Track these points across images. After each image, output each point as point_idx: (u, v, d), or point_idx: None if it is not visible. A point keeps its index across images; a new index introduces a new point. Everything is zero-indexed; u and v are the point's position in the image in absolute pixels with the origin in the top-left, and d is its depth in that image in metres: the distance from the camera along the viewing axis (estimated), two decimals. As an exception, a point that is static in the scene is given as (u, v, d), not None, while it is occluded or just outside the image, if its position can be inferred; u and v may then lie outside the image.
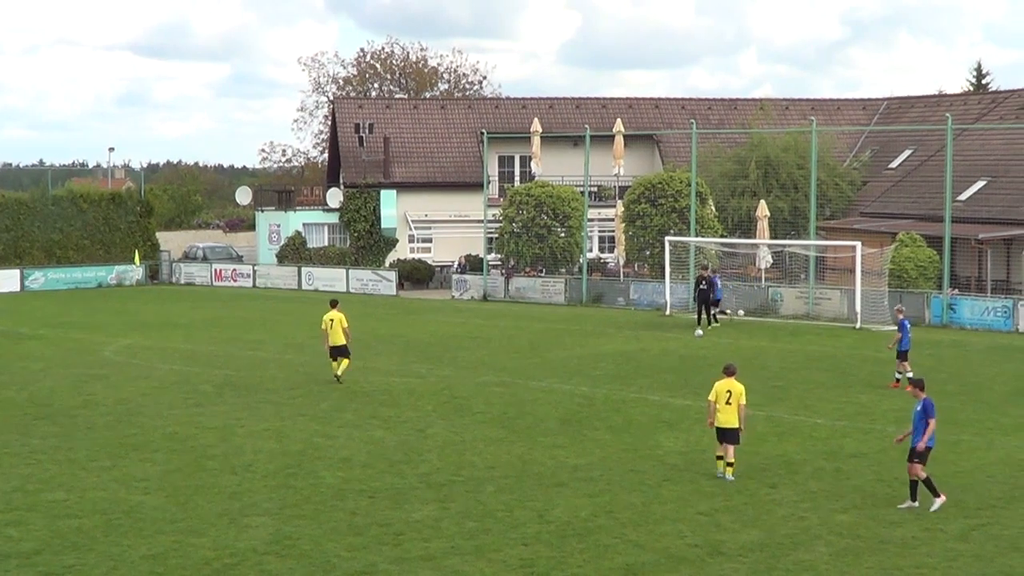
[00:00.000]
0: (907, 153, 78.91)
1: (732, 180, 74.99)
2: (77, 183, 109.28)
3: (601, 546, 20.24)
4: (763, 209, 64.70)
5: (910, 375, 34.37)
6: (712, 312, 53.07)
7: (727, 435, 25.14)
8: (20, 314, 61.05)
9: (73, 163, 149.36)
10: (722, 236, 67.83)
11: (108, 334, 52.02)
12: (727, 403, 25.04)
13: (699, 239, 63.43)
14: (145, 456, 27.35)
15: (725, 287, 57.69)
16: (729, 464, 25.11)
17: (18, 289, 77.54)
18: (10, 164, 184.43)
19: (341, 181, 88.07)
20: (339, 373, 37.77)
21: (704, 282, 53.37)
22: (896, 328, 38.22)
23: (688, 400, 34.15)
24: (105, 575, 18.86)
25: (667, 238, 61.89)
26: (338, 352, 37.96)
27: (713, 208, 70.20)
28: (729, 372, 25.40)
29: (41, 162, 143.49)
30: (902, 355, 37.19)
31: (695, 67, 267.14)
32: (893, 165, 78.97)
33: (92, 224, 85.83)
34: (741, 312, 57.49)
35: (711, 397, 25.20)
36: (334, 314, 37.99)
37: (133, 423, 31.42)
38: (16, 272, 79.41)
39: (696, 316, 53.24)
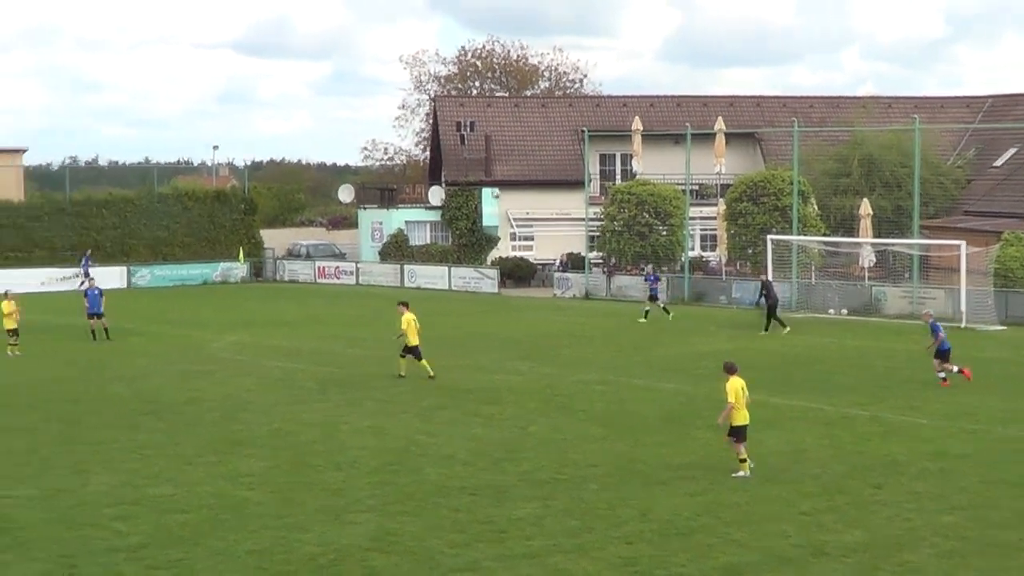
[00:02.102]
0: (1012, 151, 77.85)
1: (834, 178, 74.39)
2: (182, 181, 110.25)
3: (704, 545, 20.19)
4: (866, 208, 64.19)
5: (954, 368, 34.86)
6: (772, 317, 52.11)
7: (743, 432, 25.00)
8: (127, 311, 61.69)
9: (178, 161, 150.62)
10: (824, 235, 67.30)
11: (213, 331, 52.56)
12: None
13: (801, 238, 63.07)
14: (250, 452, 27.60)
15: (828, 286, 57.40)
16: (744, 460, 24.97)
17: (125, 286, 78.45)
18: (116, 162, 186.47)
19: (443, 179, 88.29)
20: (403, 373, 38.07)
21: (764, 287, 52.92)
22: (930, 333, 37.67)
23: (789, 399, 33.97)
24: (211, 569, 19.04)
25: (769, 236, 61.63)
26: (413, 351, 38.10)
27: (815, 206, 69.67)
28: (735, 370, 25.26)
29: (146, 160, 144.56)
30: (944, 355, 36.79)
31: (797, 64, 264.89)
32: (998, 163, 77.95)
33: (197, 221, 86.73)
34: (832, 311, 57.21)
35: (732, 399, 24.95)
36: (411, 315, 38.19)
37: (238, 419, 31.73)
38: (123, 269, 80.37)
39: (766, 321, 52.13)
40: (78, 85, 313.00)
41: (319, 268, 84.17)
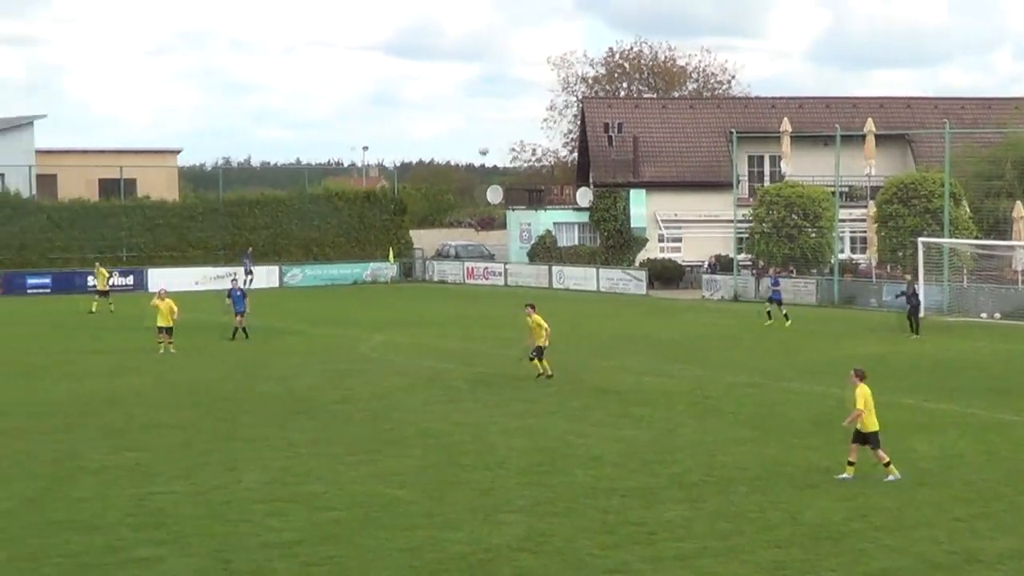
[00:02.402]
0: None
1: (987, 181, 73.35)
2: (333, 182, 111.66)
3: (855, 550, 20.01)
4: (1019, 210, 63.25)
5: None
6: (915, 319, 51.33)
7: (876, 439, 24.71)
8: (279, 310, 62.52)
9: (328, 162, 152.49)
10: (976, 237, 66.43)
11: (363, 330, 53.06)
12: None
13: (953, 240, 62.26)
14: (401, 451, 27.80)
15: (980, 290, 56.64)
16: (887, 464, 24.69)
17: (277, 285, 79.53)
18: (268, 163, 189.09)
19: (591, 180, 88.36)
20: (549, 372, 38.18)
21: (910, 288, 52.20)
22: None
23: (942, 404, 33.58)
24: (363, 567, 19.20)
25: (920, 239, 60.89)
26: (539, 352, 38.15)
27: (967, 209, 68.80)
28: (865, 376, 24.99)
29: (298, 161, 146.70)
30: None
31: (948, 65, 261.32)
32: None
33: (347, 222, 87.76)
34: (984, 315, 56.42)
35: (861, 404, 24.66)
36: (538, 317, 38.25)
37: (389, 418, 31.98)
38: (275, 268, 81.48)
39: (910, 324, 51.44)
40: (232, 87, 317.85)
41: (468, 269, 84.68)
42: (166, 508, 22.56)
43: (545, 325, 38.13)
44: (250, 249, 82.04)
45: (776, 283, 57.88)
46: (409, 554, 19.75)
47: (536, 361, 38.31)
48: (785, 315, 55.13)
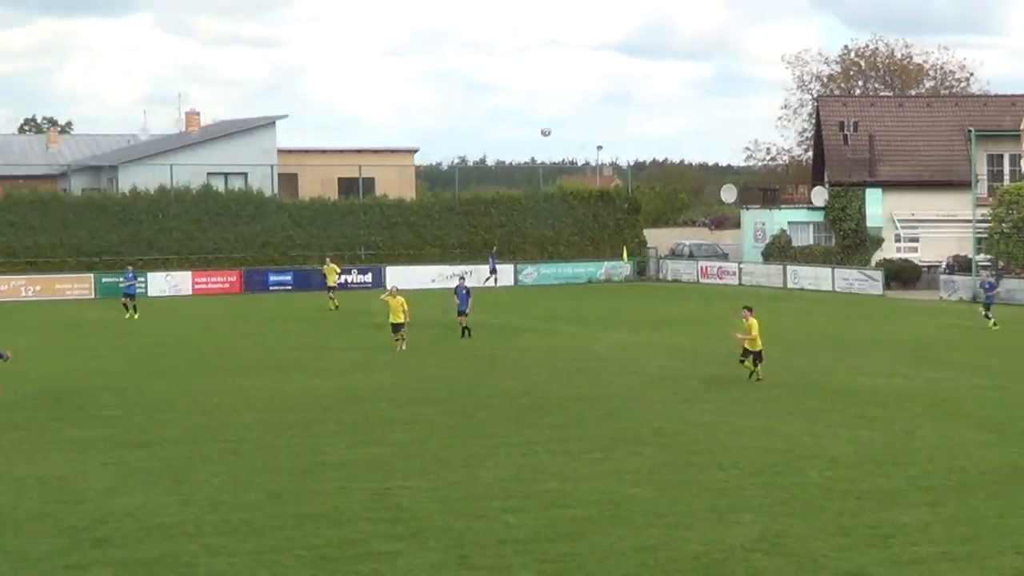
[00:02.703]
0: None
1: None
2: (567, 180, 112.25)
3: (1099, 558, 19.61)
4: None
5: None
6: None
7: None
8: (515, 307, 63.13)
9: (563, 161, 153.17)
10: None
11: (597, 329, 53.31)
12: None
13: None
14: (635, 450, 27.89)
15: None
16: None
17: (512, 283, 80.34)
18: (503, 162, 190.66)
19: (825, 180, 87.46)
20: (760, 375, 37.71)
21: None
22: None
23: None
24: (599, 564, 19.31)
25: None
26: (755, 355, 37.74)
27: None
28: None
29: (532, 160, 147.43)
30: None
31: None
32: None
33: (582, 221, 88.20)
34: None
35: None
36: (754, 320, 37.78)
37: (623, 417, 32.10)
38: (510, 267, 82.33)
39: None
40: (467, 87, 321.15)
41: (702, 268, 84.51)
42: (404, 503, 22.95)
43: (755, 332, 37.59)
44: (495, 248, 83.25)
45: (990, 287, 56.58)
46: (643, 553, 19.84)
47: (749, 364, 37.82)
48: (986, 316, 54.14)
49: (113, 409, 33.67)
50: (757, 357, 37.63)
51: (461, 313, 49.75)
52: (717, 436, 29.46)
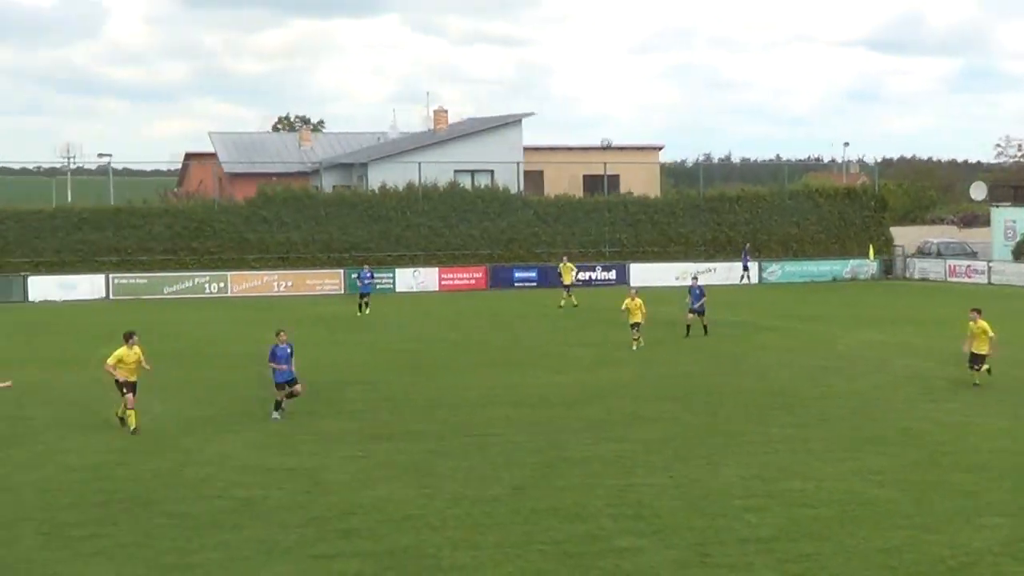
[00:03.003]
0: None
1: None
2: (812, 178, 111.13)
3: None
4: None
5: None
6: None
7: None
8: (757, 306, 62.75)
9: (808, 158, 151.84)
10: None
11: (842, 327, 52.70)
12: None
13: None
14: (880, 449, 27.53)
15: None
16: None
17: (756, 281, 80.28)
18: (747, 159, 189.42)
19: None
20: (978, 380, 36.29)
21: None
22: None
23: None
24: (842, 565, 19.12)
25: None
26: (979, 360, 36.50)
27: None
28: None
29: (778, 157, 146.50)
30: None
31: None
32: None
33: (827, 218, 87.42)
34: None
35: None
36: (984, 323, 36.43)
37: (867, 416, 31.71)
38: (754, 264, 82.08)
39: None
40: (712, 84, 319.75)
41: (950, 267, 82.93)
42: (645, 500, 23.03)
43: (991, 333, 36.40)
44: (748, 245, 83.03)
45: None
46: (887, 554, 19.60)
47: (976, 370, 36.57)
48: None
49: (360, 403, 34.39)
50: (981, 360, 36.50)
51: (692, 311, 49.64)
52: (965, 437, 28.93)
